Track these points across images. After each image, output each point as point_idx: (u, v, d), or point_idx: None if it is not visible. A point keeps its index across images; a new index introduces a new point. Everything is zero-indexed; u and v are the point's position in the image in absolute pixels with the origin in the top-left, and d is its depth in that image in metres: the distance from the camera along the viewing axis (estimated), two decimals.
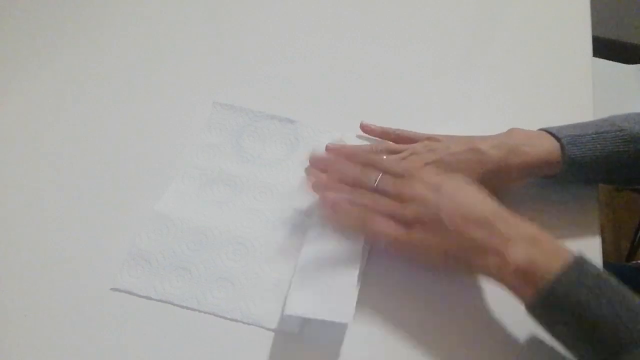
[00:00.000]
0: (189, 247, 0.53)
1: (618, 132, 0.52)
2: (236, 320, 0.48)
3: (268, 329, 0.48)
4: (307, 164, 0.58)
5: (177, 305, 0.49)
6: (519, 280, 0.43)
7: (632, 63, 1.31)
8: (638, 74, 1.28)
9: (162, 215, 0.55)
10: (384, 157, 0.56)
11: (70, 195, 0.58)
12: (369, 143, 0.61)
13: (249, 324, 0.48)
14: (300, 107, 0.65)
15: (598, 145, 0.52)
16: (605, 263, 0.53)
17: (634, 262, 1.32)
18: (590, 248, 0.52)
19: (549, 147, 0.53)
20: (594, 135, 0.52)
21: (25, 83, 0.69)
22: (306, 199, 0.56)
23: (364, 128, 0.61)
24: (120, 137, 0.63)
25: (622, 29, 1.81)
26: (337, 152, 0.57)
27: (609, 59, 1.29)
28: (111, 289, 0.50)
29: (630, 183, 0.56)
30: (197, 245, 0.53)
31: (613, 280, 0.41)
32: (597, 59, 0.73)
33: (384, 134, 0.60)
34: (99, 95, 0.68)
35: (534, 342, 0.47)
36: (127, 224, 0.55)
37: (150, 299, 0.50)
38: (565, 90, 0.69)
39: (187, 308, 0.49)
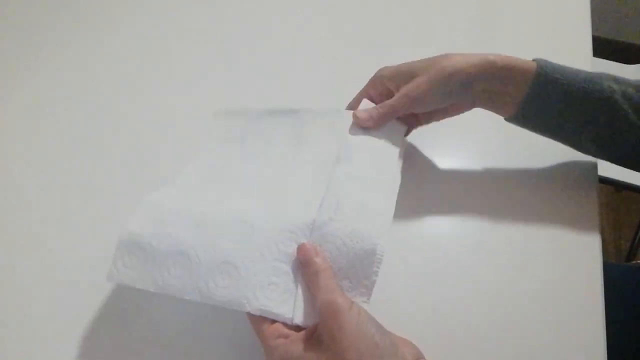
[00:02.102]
0: (187, 230, 0.45)
1: (593, 73, 0.52)
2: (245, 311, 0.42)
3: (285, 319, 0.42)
4: (316, 152, 0.53)
5: (179, 298, 0.43)
6: None
7: (632, 63, 1.32)
8: (638, 74, 1.28)
9: (155, 203, 0.48)
10: None
11: (68, 194, 0.58)
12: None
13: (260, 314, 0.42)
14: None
15: (571, 71, 0.51)
16: (605, 263, 0.53)
17: (634, 262, 1.32)
18: (590, 248, 0.52)
19: (523, 59, 0.52)
20: (570, 67, 0.52)
21: (32, 82, 0.69)
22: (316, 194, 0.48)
23: None
24: (118, 139, 0.63)
25: (622, 29, 1.81)
26: None
27: (609, 59, 1.29)
28: (107, 280, 0.45)
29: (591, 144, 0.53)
30: (195, 228, 0.45)
31: None
32: (597, 59, 0.73)
33: None
34: (98, 98, 0.68)
35: None
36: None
37: (150, 291, 0.44)
38: None
39: (190, 301, 0.43)
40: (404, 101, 0.52)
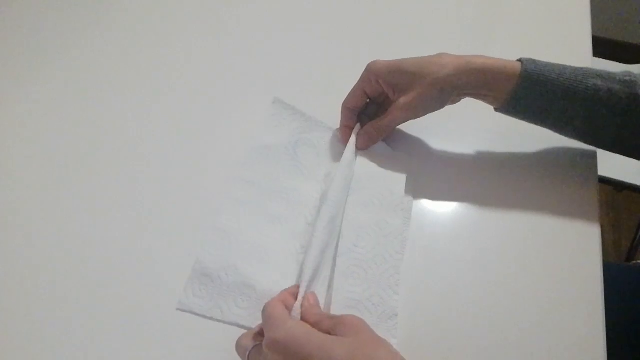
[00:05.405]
0: (251, 264, 0.51)
1: (579, 69, 0.53)
2: None
3: None
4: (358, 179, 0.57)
5: (244, 327, 0.47)
6: None
7: (632, 63, 1.32)
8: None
9: (222, 230, 0.54)
10: None
11: (69, 194, 0.58)
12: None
13: None
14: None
15: (556, 70, 0.53)
16: (605, 263, 0.53)
17: (634, 262, 1.32)
18: (590, 248, 0.53)
19: (508, 62, 0.54)
20: (556, 64, 0.54)
21: (33, 81, 0.69)
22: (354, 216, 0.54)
23: None
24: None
25: (622, 29, 1.81)
26: None
27: (609, 59, 1.29)
28: (177, 309, 0.49)
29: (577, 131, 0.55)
30: (259, 262, 0.51)
31: None
32: (597, 59, 0.73)
33: None
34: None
35: None
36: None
37: (216, 320, 0.48)
38: None
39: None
40: (397, 119, 0.57)
